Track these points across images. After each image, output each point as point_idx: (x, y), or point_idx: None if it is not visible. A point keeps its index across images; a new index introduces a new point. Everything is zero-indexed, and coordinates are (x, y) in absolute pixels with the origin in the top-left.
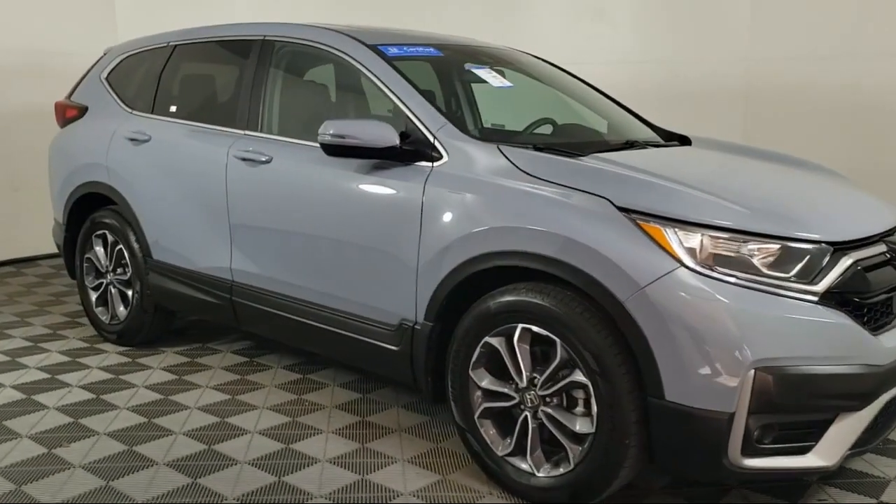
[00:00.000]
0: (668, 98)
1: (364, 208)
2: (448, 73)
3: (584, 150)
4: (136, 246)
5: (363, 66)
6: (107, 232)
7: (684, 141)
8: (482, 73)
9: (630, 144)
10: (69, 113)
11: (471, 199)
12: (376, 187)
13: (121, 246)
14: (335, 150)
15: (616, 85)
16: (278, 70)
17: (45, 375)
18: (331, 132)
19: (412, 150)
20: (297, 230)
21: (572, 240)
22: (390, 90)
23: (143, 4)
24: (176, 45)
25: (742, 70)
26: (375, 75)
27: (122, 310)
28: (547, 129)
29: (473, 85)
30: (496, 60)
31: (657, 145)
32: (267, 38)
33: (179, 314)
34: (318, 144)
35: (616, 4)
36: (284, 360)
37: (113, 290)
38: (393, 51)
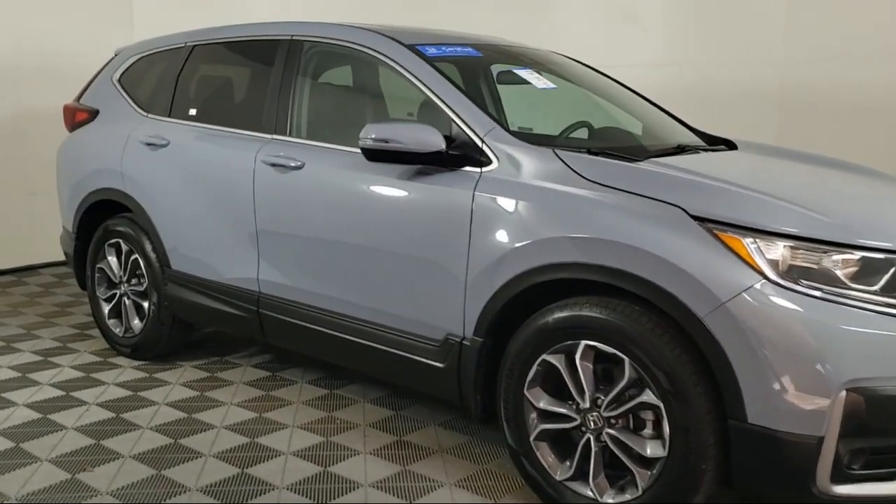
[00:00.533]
0: (697, 101)
1: (407, 216)
2: (474, 73)
3: (639, 155)
4: (152, 255)
5: (402, 67)
6: (120, 241)
7: (729, 145)
8: (525, 73)
9: (681, 149)
10: (79, 116)
11: (527, 206)
12: (421, 194)
13: (136, 255)
14: (376, 154)
15: (644, 88)
16: (308, 71)
17: (60, 392)
18: (372, 136)
19: (459, 154)
20: (332, 239)
21: (643, 250)
22: (433, 92)
23: (161, 7)
24: (194, 46)
25: (776, 72)
26: (416, 77)
27: (136, 322)
28: (583, 133)
29: (503, 87)
30: (532, 62)
31: (705, 149)
32: (295, 37)
33: (197, 326)
34: (353, 149)
35: (645, 6)
36: (308, 375)
37: (127, 302)
38: (431, 51)
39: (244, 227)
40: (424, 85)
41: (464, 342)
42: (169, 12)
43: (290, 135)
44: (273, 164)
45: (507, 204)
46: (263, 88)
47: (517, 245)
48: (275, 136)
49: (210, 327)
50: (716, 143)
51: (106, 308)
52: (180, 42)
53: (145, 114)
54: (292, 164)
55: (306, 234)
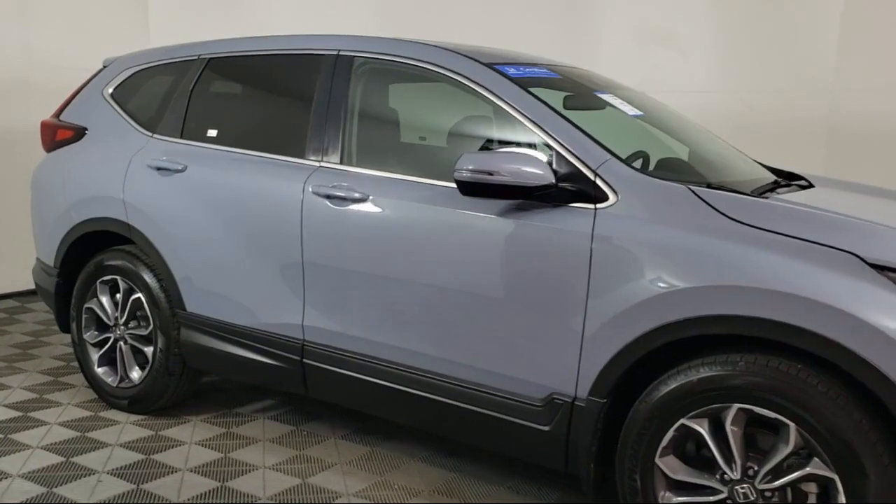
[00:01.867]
0: (741, 130)
1: (506, 257)
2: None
3: (747, 191)
4: (160, 295)
5: (486, 89)
6: (118, 278)
7: (801, 179)
8: (609, 98)
9: (777, 184)
10: (61, 135)
11: (667, 250)
12: (523, 232)
13: (138, 294)
14: (474, 188)
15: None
16: (362, 91)
17: (58, 458)
18: (470, 167)
19: (573, 189)
20: (407, 280)
21: (819, 303)
22: (530, 119)
23: (179, 30)
24: (210, 59)
25: (827, 101)
26: (507, 101)
27: (136, 371)
28: (638, 164)
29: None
30: (604, 86)
31: (802, 186)
32: (343, 52)
33: (210, 376)
34: (428, 180)
35: (685, 29)
36: (338, 429)
37: (124, 347)
38: (512, 71)
39: (286, 266)
40: (517, 110)
41: (576, 403)
42: (187, 29)
43: (342, 162)
44: (328, 196)
45: (639, 247)
46: (302, 109)
47: (654, 294)
48: (323, 164)
49: (233, 378)
50: (780, 175)
51: (95, 355)
52: (191, 54)
53: (149, 134)
54: (353, 196)
55: (372, 276)
